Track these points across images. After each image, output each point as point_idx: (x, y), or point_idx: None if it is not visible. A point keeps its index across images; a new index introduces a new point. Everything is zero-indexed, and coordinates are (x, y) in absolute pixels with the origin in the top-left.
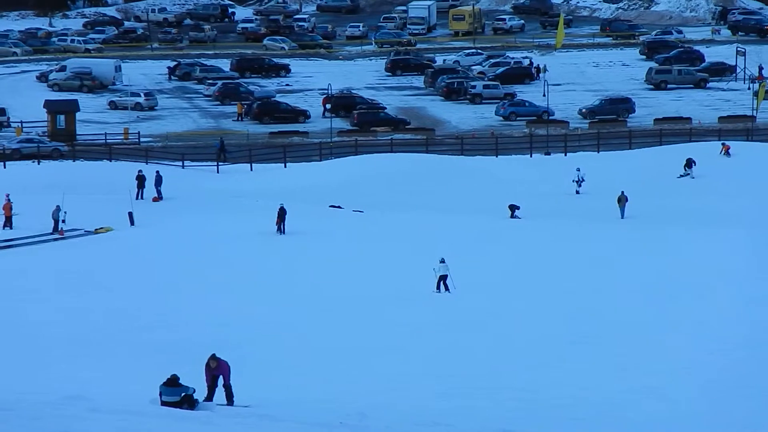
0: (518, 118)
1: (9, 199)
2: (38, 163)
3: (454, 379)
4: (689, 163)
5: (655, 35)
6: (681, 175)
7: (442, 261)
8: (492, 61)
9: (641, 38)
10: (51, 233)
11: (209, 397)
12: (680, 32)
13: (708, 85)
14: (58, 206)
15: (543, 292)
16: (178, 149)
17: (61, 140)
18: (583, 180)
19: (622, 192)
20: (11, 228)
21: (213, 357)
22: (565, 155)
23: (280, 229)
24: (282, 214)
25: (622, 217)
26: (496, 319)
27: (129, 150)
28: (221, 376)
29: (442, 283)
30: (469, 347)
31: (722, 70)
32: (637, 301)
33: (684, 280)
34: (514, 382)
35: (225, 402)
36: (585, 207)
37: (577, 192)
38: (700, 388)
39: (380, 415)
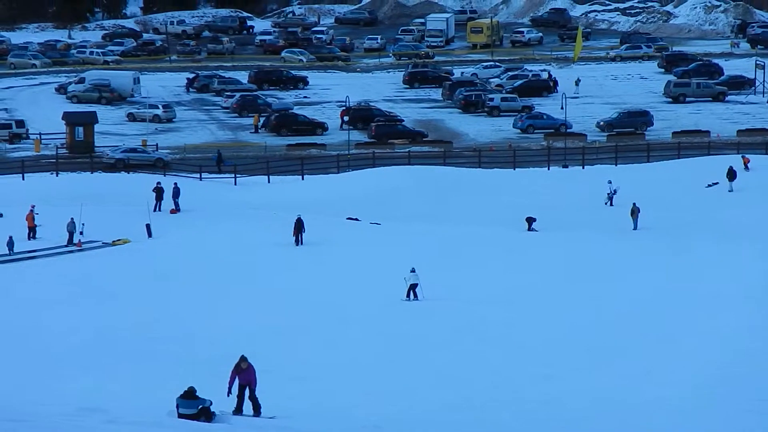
0: (536, 131)
1: (33, 210)
2: (56, 175)
3: (471, 390)
4: (732, 174)
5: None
6: (709, 185)
7: (413, 270)
8: (510, 73)
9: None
10: (66, 245)
11: (238, 409)
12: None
13: (726, 99)
14: (72, 219)
15: (559, 303)
16: (196, 161)
17: (79, 152)
18: (616, 192)
19: (634, 204)
20: (35, 238)
21: (244, 358)
22: (583, 168)
23: (298, 241)
24: (299, 225)
25: (635, 228)
26: (512, 330)
27: (147, 162)
28: (248, 387)
29: (411, 291)
30: (485, 358)
31: (741, 84)
32: (654, 313)
33: (702, 292)
34: (531, 393)
35: (252, 413)
36: (602, 219)
37: (611, 204)
38: (720, 399)
39: (396, 427)
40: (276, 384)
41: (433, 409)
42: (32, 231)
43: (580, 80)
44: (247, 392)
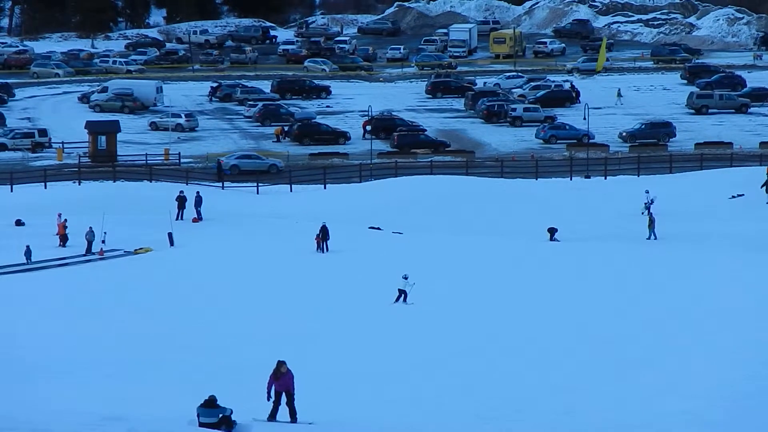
0: (558, 141)
1: (63, 219)
2: (79, 184)
3: (493, 401)
4: None
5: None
6: (734, 196)
7: (405, 277)
8: (532, 84)
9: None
10: (84, 254)
11: (272, 416)
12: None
13: (749, 110)
14: (90, 228)
15: (581, 314)
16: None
17: (101, 161)
18: (653, 202)
19: (651, 214)
20: (65, 246)
21: (282, 363)
22: (605, 179)
23: (322, 248)
24: (325, 232)
25: (650, 238)
26: (533, 340)
27: (169, 171)
28: (284, 393)
29: (403, 297)
30: (505, 368)
31: (764, 96)
32: (674, 325)
33: (723, 305)
34: (553, 405)
35: (288, 419)
36: (624, 229)
37: (649, 214)
38: (739, 413)
39: None
40: (298, 391)
41: (456, 418)
42: (63, 239)
43: (621, 94)
44: (284, 398)
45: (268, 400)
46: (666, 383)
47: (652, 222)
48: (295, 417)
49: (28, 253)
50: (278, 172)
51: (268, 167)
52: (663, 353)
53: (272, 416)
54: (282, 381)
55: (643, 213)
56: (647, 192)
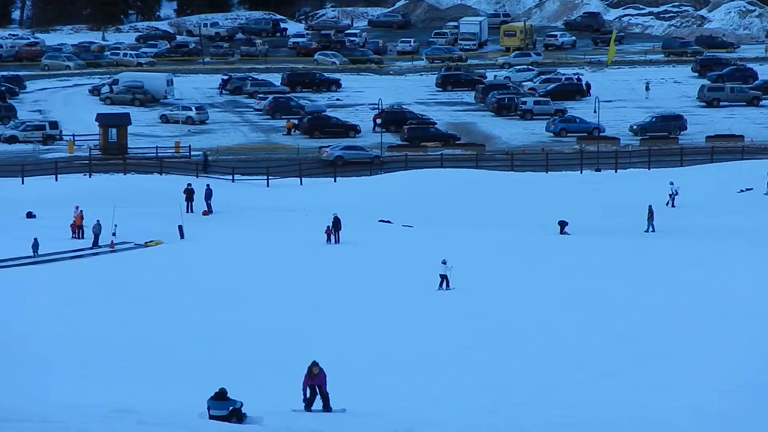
0: (569, 135)
1: (79, 210)
2: (89, 176)
3: (504, 394)
4: None
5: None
6: (742, 190)
7: (444, 262)
8: (543, 77)
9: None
10: (91, 247)
11: (308, 407)
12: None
13: (761, 103)
14: (98, 221)
15: (591, 309)
16: (228, 163)
17: (112, 153)
18: (677, 193)
19: (650, 206)
20: (82, 238)
21: (315, 364)
22: (616, 172)
23: (332, 239)
24: (336, 223)
25: (648, 230)
26: (544, 335)
27: (180, 163)
28: (317, 387)
29: (444, 282)
30: (517, 362)
31: None
32: (685, 319)
33: (734, 299)
34: (564, 398)
35: (321, 408)
36: (634, 223)
37: (672, 205)
38: (748, 407)
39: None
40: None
41: (470, 413)
42: (80, 230)
43: (649, 87)
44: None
45: (304, 401)
46: (677, 377)
47: (651, 214)
48: (328, 405)
49: (35, 245)
50: (381, 163)
51: (371, 158)
52: (675, 347)
53: (308, 406)
54: (316, 381)
55: (668, 204)
56: (672, 183)
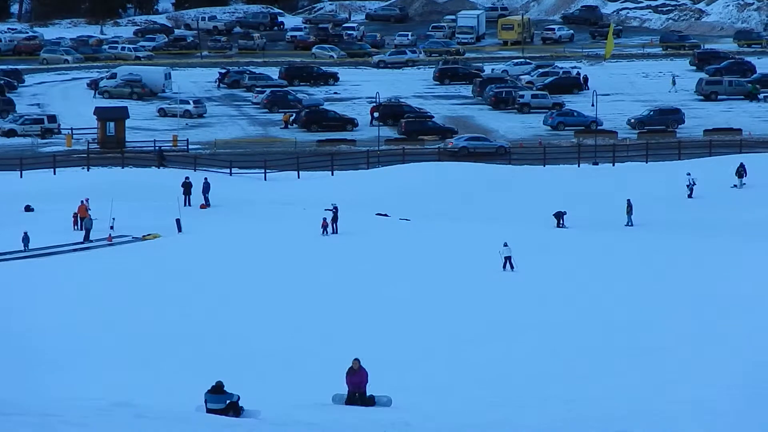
0: (566, 128)
1: (85, 203)
2: (87, 170)
3: (504, 388)
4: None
5: None
6: (735, 185)
7: (506, 245)
8: (541, 70)
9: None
10: (82, 242)
11: (350, 400)
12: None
13: (759, 97)
14: (89, 215)
15: (590, 302)
16: (226, 156)
17: (110, 147)
18: (695, 184)
19: (628, 200)
20: (83, 230)
21: (356, 361)
22: (614, 165)
23: (328, 230)
24: (335, 214)
25: (628, 224)
26: (543, 329)
27: (177, 157)
28: (357, 392)
29: (508, 263)
30: (517, 356)
31: None
32: (685, 313)
33: (732, 293)
34: (563, 392)
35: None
36: (633, 216)
37: (690, 196)
38: (749, 401)
39: (427, 425)
40: (301, 381)
41: (469, 406)
42: (82, 222)
43: (674, 80)
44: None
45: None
46: (678, 371)
47: (630, 208)
48: (371, 401)
49: (25, 239)
50: (506, 153)
51: (495, 149)
52: (675, 341)
53: (349, 401)
54: (356, 378)
55: (690, 196)
56: (689, 174)
